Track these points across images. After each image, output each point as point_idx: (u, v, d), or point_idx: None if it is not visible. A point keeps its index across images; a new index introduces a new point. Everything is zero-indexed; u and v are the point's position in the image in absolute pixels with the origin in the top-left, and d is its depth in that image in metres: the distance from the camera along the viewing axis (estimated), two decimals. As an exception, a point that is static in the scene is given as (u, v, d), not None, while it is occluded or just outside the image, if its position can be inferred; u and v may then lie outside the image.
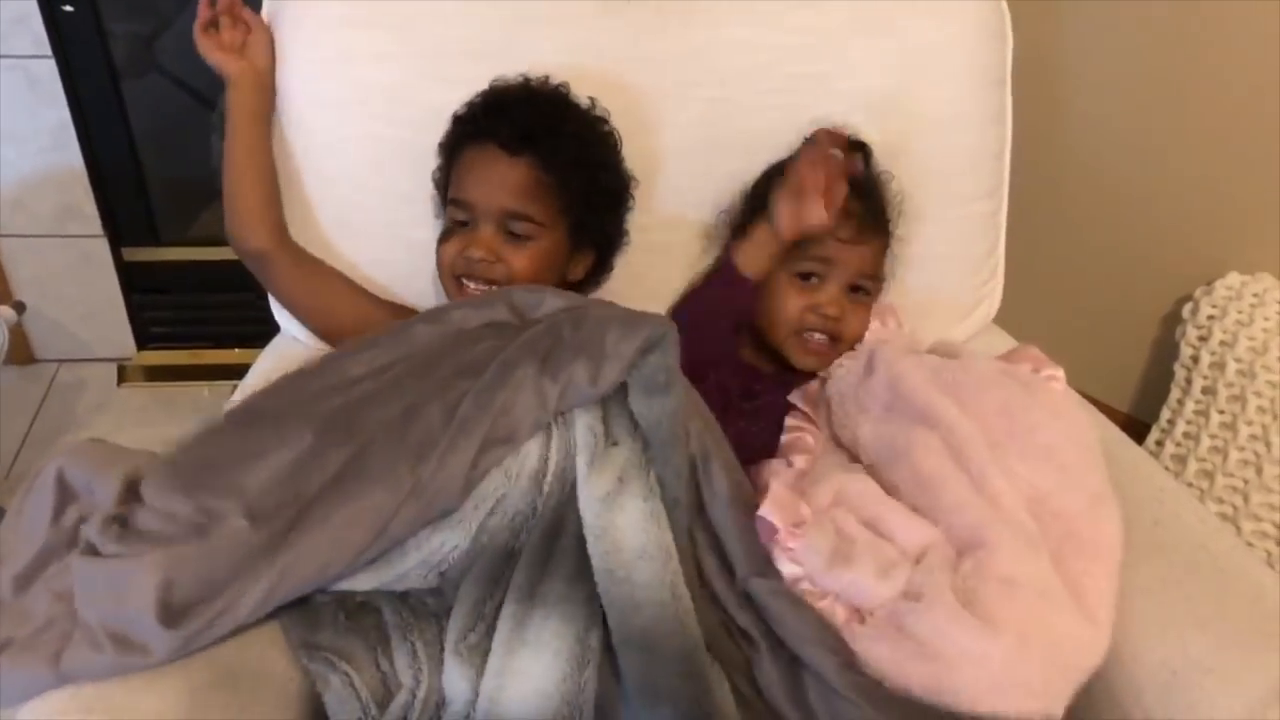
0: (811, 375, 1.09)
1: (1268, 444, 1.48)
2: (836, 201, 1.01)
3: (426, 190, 1.12)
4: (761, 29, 1.14)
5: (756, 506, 0.87)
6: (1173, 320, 1.64)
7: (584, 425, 0.86)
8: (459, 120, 1.08)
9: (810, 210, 1.01)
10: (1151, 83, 1.59)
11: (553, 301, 0.93)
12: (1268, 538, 1.48)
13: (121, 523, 0.80)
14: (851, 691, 0.80)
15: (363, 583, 0.83)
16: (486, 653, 0.81)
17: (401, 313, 1.13)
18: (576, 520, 0.85)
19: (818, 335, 1.08)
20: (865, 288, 1.09)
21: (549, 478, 0.85)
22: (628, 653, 0.80)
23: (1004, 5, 1.18)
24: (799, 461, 0.99)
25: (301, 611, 0.83)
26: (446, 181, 1.09)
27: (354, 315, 1.12)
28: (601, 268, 1.14)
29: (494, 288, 1.03)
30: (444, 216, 1.10)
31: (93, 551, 0.79)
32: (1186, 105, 1.56)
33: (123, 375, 2.05)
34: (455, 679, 0.81)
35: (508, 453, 0.83)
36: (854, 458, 0.99)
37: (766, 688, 0.83)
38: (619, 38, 1.13)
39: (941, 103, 1.16)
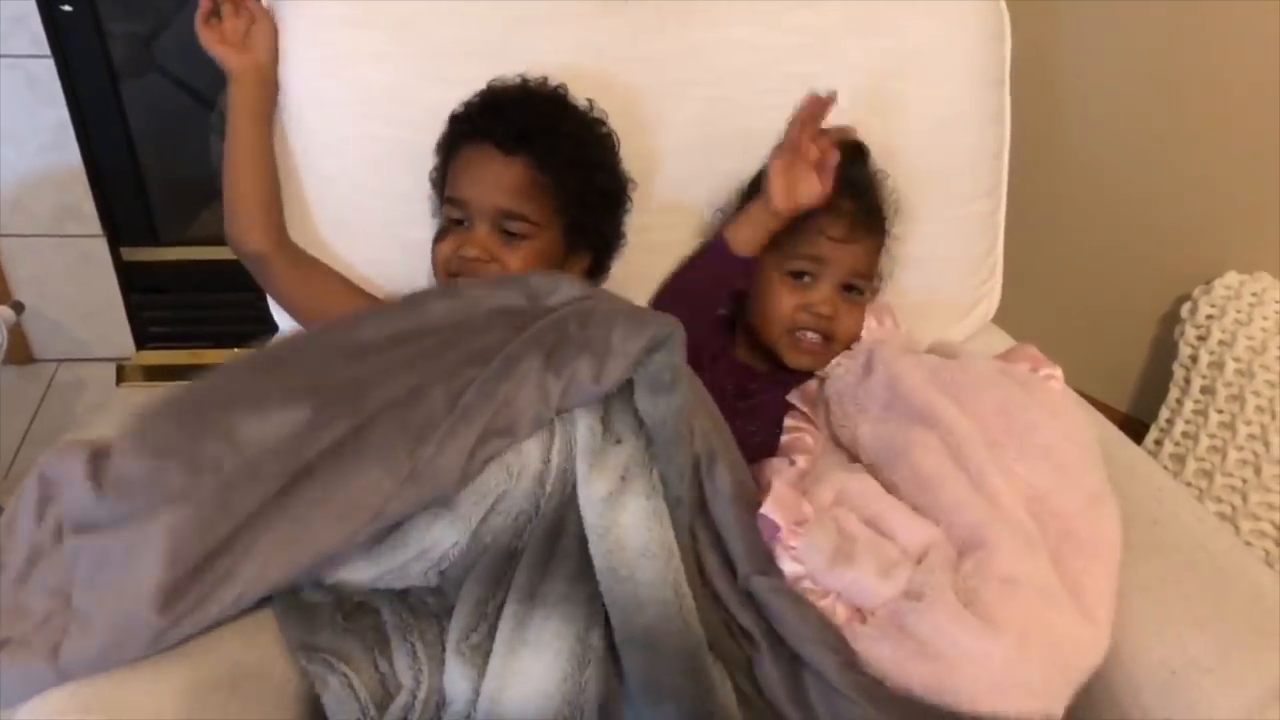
0: (807, 375, 1.09)
1: (1266, 443, 1.49)
2: (831, 172, 1.02)
3: (425, 190, 1.12)
4: (760, 28, 1.14)
5: (758, 505, 0.87)
6: (1171, 320, 1.64)
7: (585, 425, 0.86)
8: (456, 119, 1.08)
9: (805, 183, 1.01)
10: (1150, 82, 1.59)
11: (568, 289, 0.92)
12: (1266, 537, 1.48)
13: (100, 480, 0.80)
14: (852, 690, 0.80)
15: (362, 571, 0.83)
16: (488, 653, 0.82)
17: None
18: (578, 520, 0.85)
19: (810, 334, 1.08)
20: (858, 287, 1.08)
21: (551, 478, 0.85)
22: (630, 651, 0.81)
23: (1003, 5, 1.18)
24: (799, 461, 0.99)
25: (299, 612, 0.83)
26: (443, 181, 1.09)
27: None
28: (598, 269, 1.14)
29: None
30: (440, 215, 1.10)
31: (91, 527, 0.79)
32: (1185, 105, 1.56)
33: (122, 375, 2.04)
34: (456, 679, 0.81)
35: (506, 445, 0.83)
36: (853, 458, 0.99)
37: (768, 687, 0.83)
38: (618, 37, 1.13)
39: (940, 103, 1.16)
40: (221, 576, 0.77)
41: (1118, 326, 1.75)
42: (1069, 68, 1.65)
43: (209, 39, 1.08)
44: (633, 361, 0.84)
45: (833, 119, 1.11)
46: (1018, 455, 0.91)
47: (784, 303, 1.07)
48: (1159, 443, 1.62)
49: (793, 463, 0.98)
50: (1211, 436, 1.54)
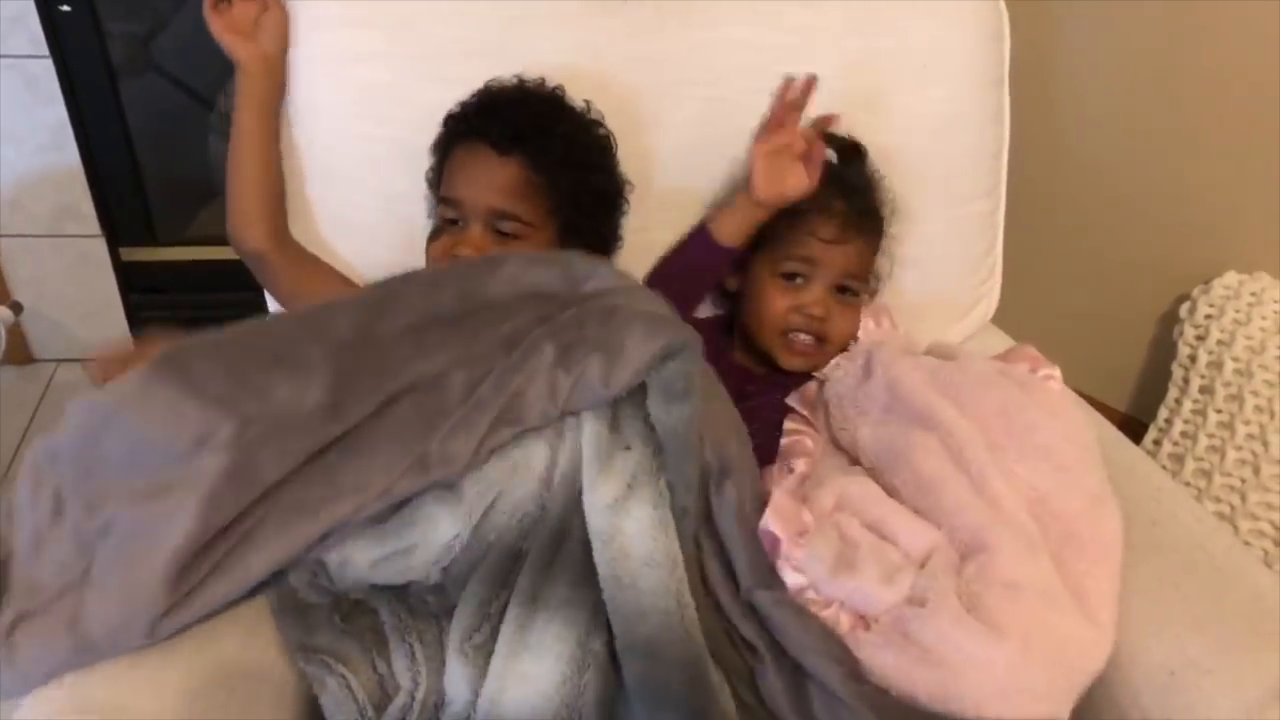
0: (805, 377, 1.09)
1: (1265, 443, 1.49)
2: (818, 165, 1.01)
3: (422, 190, 1.12)
4: (759, 28, 1.14)
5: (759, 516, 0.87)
6: (1170, 319, 1.64)
7: (592, 430, 0.85)
8: (451, 119, 1.08)
9: (791, 175, 1.01)
10: (1149, 82, 1.59)
11: (605, 276, 0.92)
12: (1265, 537, 1.48)
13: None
14: (856, 701, 0.80)
15: (366, 552, 0.83)
16: (491, 654, 0.81)
17: None
18: (583, 524, 0.84)
19: (803, 336, 1.08)
20: (852, 288, 1.08)
21: (556, 480, 0.85)
22: (632, 660, 0.80)
23: (1002, 5, 1.18)
24: (799, 465, 0.99)
25: (297, 613, 0.83)
26: (439, 181, 1.09)
27: None
28: None
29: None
30: (434, 215, 1.10)
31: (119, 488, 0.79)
32: (1184, 105, 1.56)
33: (120, 375, 2.04)
34: (457, 679, 0.81)
35: (510, 437, 0.83)
36: (854, 460, 0.99)
37: (771, 698, 0.83)
38: (617, 37, 1.13)
39: (939, 103, 1.16)
40: (236, 546, 0.78)
41: (1117, 326, 1.75)
42: (1068, 68, 1.65)
43: (217, 25, 1.06)
44: (643, 368, 0.84)
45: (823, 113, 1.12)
46: (1018, 456, 0.91)
47: (776, 304, 1.07)
48: (1158, 443, 1.62)
49: (790, 469, 0.98)
50: (1210, 436, 1.54)
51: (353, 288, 1.14)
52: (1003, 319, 1.28)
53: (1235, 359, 1.51)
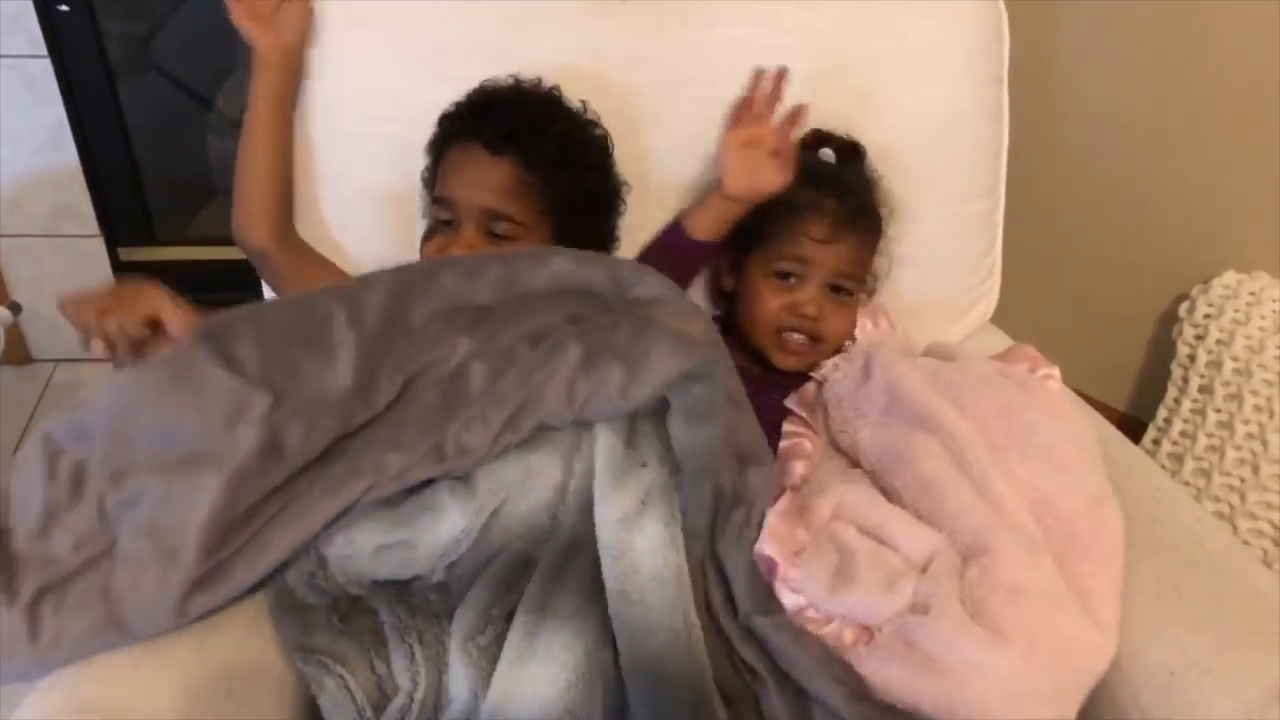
0: (803, 378, 1.08)
1: (1264, 443, 1.49)
2: (790, 160, 1.01)
3: (420, 190, 1.12)
4: (758, 28, 1.14)
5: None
6: (1169, 319, 1.64)
7: (606, 442, 0.85)
8: (445, 119, 1.08)
9: (765, 170, 1.01)
10: (1149, 82, 1.59)
11: (651, 285, 0.92)
12: (1264, 536, 1.48)
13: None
14: None
15: (372, 535, 0.83)
16: (495, 657, 0.81)
17: None
18: (596, 538, 0.84)
19: (797, 335, 1.07)
20: (845, 288, 1.08)
21: (570, 493, 0.85)
22: (637, 677, 0.80)
23: (1001, 5, 1.18)
24: (798, 467, 0.98)
25: (296, 614, 0.83)
26: (434, 181, 1.08)
27: None
28: None
29: None
30: (428, 215, 1.09)
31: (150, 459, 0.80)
32: (1183, 104, 1.56)
33: (119, 375, 2.04)
34: (460, 679, 0.81)
35: (527, 432, 0.83)
36: (854, 462, 0.99)
37: None
38: (616, 37, 1.13)
39: (938, 102, 1.16)
40: (261, 528, 0.79)
41: (1116, 326, 1.75)
42: (1067, 67, 1.65)
43: (237, 11, 1.06)
44: (662, 385, 0.83)
45: (831, 120, 1.12)
46: (1019, 458, 0.91)
47: (769, 303, 1.07)
48: (1157, 442, 1.62)
49: (783, 491, 0.95)
50: (1209, 436, 1.54)
51: None
52: (1002, 318, 1.28)
53: (1234, 358, 1.51)
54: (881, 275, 1.15)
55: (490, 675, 0.81)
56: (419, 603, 0.86)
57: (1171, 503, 0.96)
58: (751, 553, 0.86)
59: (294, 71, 1.10)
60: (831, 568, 0.86)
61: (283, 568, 0.82)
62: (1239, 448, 1.51)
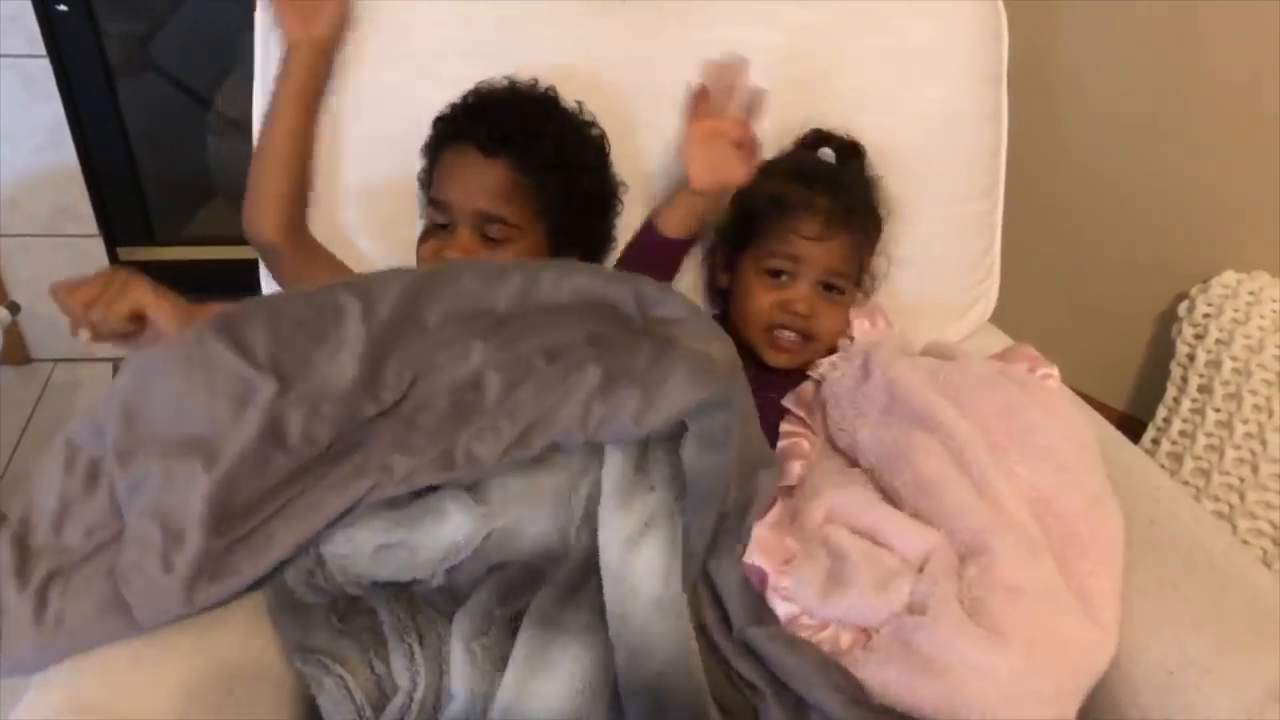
0: (800, 376, 1.08)
1: (1263, 442, 1.49)
2: (754, 150, 1.02)
3: (418, 191, 1.12)
4: (758, 28, 1.14)
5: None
6: (1169, 318, 1.64)
7: (615, 464, 0.85)
8: (440, 121, 1.08)
9: (728, 163, 1.01)
10: (1148, 81, 1.59)
11: (675, 306, 0.92)
12: (1263, 536, 1.48)
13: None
14: None
15: (375, 535, 0.83)
16: (500, 658, 0.82)
17: None
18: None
19: (788, 333, 1.07)
20: (837, 286, 1.08)
21: (580, 515, 0.85)
22: (635, 698, 0.80)
23: (1000, 5, 1.18)
24: (796, 467, 0.98)
25: (295, 614, 0.83)
26: (429, 183, 1.08)
27: None
28: None
29: None
30: (425, 217, 1.09)
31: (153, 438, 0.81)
32: (1183, 103, 1.56)
33: (118, 375, 2.04)
34: (462, 678, 0.82)
35: (538, 449, 0.83)
36: (852, 462, 0.99)
37: None
38: (616, 37, 1.13)
39: (938, 102, 1.16)
40: (268, 519, 0.79)
41: (1115, 325, 1.75)
42: (1066, 67, 1.65)
43: (278, 2, 1.05)
44: (676, 414, 0.83)
45: (830, 120, 1.12)
46: (1019, 457, 0.91)
47: (761, 301, 1.07)
48: (1156, 442, 1.62)
49: (774, 501, 0.95)
50: (1209, 435, 1.54)
51: None
52: (1001, 318, 1.28)
53: (1234, 358, 1.51)
54: (880, 275, 1.15)
55: (492, 676, 0.81)
56: (419, 603, 0.86)
57: (1171, 502, 0.96)
58: (741, 566, 0.86)
59: (322, 69, 1.09)
60: (823, 572, 0.86)
61: (283, 566, 0.82)
62: (1238, 447, 1.51)
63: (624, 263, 1.11)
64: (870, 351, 1.03)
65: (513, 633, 0.84)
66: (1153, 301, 1.69)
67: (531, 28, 1.12)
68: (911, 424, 0.95)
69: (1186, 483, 1.56)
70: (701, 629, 0.84)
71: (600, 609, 0.82)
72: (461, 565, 0.84)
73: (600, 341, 0.88)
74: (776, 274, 1.07)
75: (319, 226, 1.15)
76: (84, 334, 0.88)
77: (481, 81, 1.07)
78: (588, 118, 1.09)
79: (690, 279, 1.18)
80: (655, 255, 1.09)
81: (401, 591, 0.86)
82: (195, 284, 1.95)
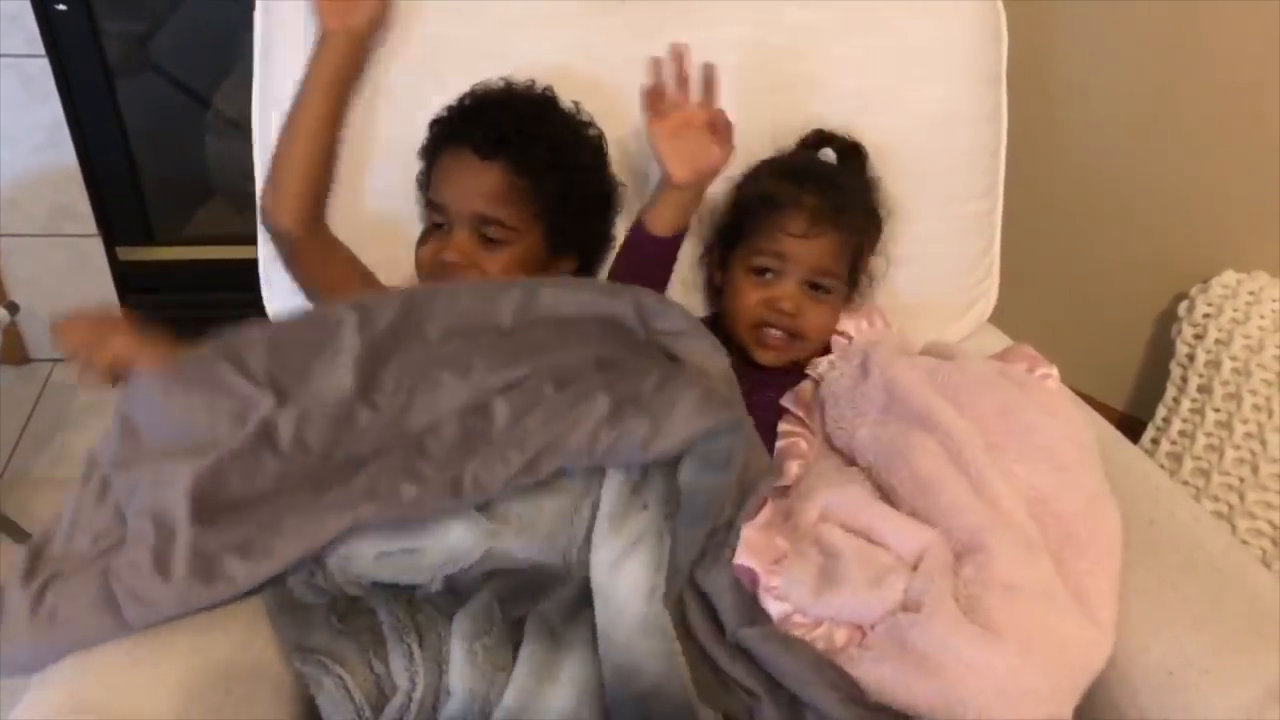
0: (798, 375, 1.08)
1: (1263, 442, 1.49)
2: (727, 132, 1.01)
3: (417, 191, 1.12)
4: (758, 28, 1.14)
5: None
6: (1168, 318, 1.64)
7: (613, 487, 0.85)
8: (437, 124, 1.07)
9: (704, 151, 1.01)
10: (1147, 81, 1.59)
11: (675, 319, 0.92)
12: (1263, 536, 1.48)
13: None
14: None
15: (373, 544, 0.83)
16: (499, 660, 0.82)
17: None
18: None
19: (774, 331, 1.07)
20: (823, 285, 1.07)
21: (581, 535, 0.85)
22: (623, 716, 0.81)
23: (999, 5, 1.18)
24: (793, 467, 0.98)
25: (294, 614, 0.83)
26: (428, 185, 1.08)
27: None
28: (586, 272, 1.13)
29: None
30: (424, 218, 1.09)
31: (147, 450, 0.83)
32: (1182, 103, 1.56)
33: (117, 375, 2.04)
34: (460, 678, 0.82)
35: (544, 474, 0.83)
36: (850, 461, 0.98)
37: None
38: (616, 37, 1.13)
39: (937, 102, 1.16)
40: (264, 530, 0.79)
41: (1115, 325, 1.75)
42: (1066, 67, 1.65)
43: None
44: (684, 443, 0.83)
45: (829, 119, 1.11)
46: (1017, 456, 0.91)
47: (748, 298, 1.07)
48: (1156, 441, 1.62)
49: (764, 503, 0.94)
50: (1208, 435, 1.54)
51: (375, 287, 1.13)
52: (1000, 318, 1.28)
53: (1233, 358, 1.52)
54: (878, 275, 1.15)
55: (492, 676, 0.81)
56: (418, 603, 0.86)
57: (1170, 502, 0.96)
58: (731, 570, 0.85)
59: (355, 60, 1.08)
60: (815, 570, 0.85)
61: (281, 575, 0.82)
62: (1238, 447, 1.51)
63: (617, 265, 1.11)
64: (869, 351, 1.03)
65: (513, 636, 0.84)
66: (1152, 301, 1.69)
67: (531, 27, 1.12)
68: (910, 423, 0.95)
69: (1186, 483, 1.56)
70: (691, 638, 0.84)
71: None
72: (461, 573, 0.84)
73: (608, 366, 0.88)
74: (764, 271, 1.07)
75: (337, 221, 1.14)
76: (76, 371, 0.90)
77: (478, 83, 1.07)
78: (585, 118, 1.09)
79: (678, 275, 1.18)
80: (648, 255, 1.08)
81: (401, 592, 0.86)
82: (194, 284, 1.97)
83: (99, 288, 1.98)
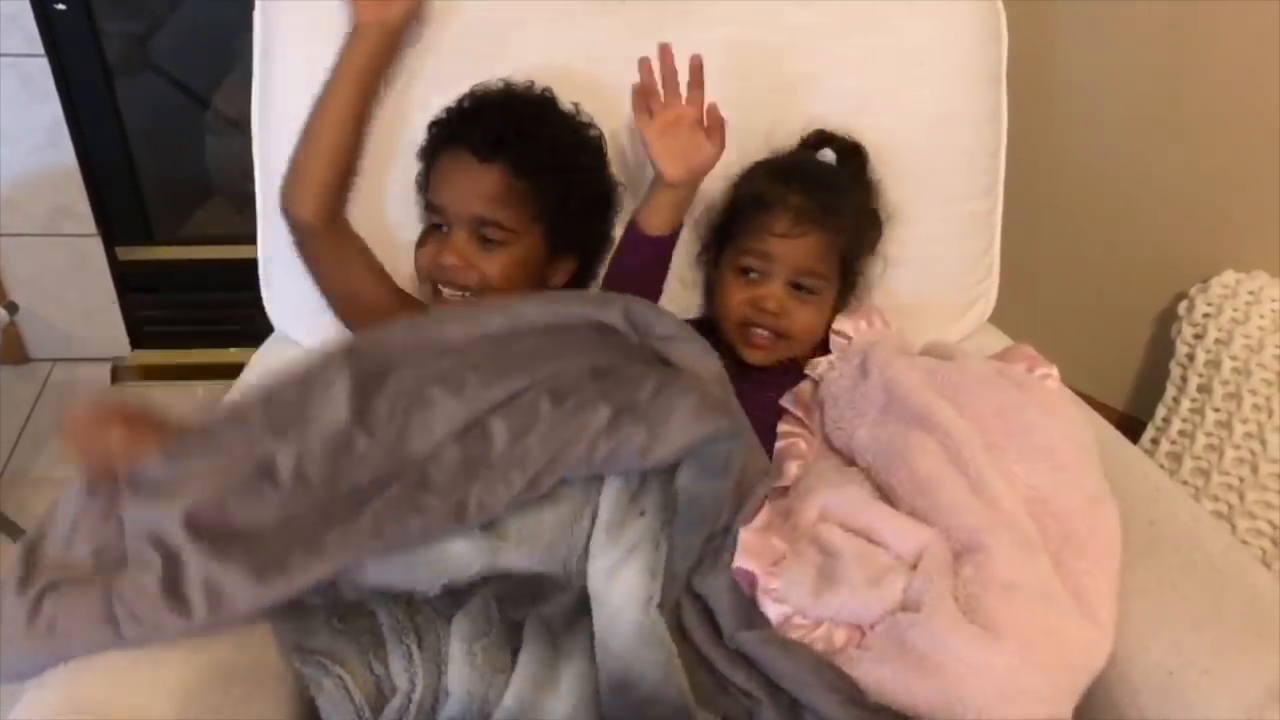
0: (796, 375, 1.08)
1: (1263, 442, 1.49)
2: (720, 127, 1.01)
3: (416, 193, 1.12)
4: (757, 28, 1.14)
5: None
6: (1168, 318, 1.64)
7: (610, 496, 0.85)
8: (435, 125, 1.07)
9: (696, 147, 1.01)
10: (1147, 81, 1.59)
11: (665, 324, 0.92)
12: (1263, 535, 1.49)
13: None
14: None
15: (371, 573, 0.83)
16: (498, 661, 0.82)
17: (422, 311, 1.11)
18: None
19: (760, 330, 1.07)
20: (807, 286, 1.06)
21: (581, 544, 0.84)
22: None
23: (999, 5, 1.18)
24: (793, 468, 0.98)
25: (294, 615, 0.83)
26: (427, 186, 1.08)
27: (374, 310, 1.11)
28: (585, 272, 1.13)
29: (468, 294, 1.03)
30: (423, 219, 1.09)
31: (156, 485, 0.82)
32: (1182, 103, 1.56)
33: (116, 375, 2.04)
34: (459, 679, 0.82)
35: (546, 489, 0.83)
36: (849, 461, 0.98)
37: None
38: (615, 37, 1.13)
39: (937, 102, 1.16)
40: (272, 563, 0.78)
41: (1114, 325, 1.75)
42: (1066, 67, 1.65)
43: None
44: (682, 450, 0.83)
45: (829, 119, 1.11)
46: (1016, 456, 0.91)
47: (734, 298, 1.07)
48: (1155, 441, 1.62)
49: (761, 505, 0.94)
50: (1208, 435, 1.55)
51: (390, 290, 1.12)
52: (1000, 318, 1.28)
53: (1233, 358, 1.52)
54: (875, 276, 1.14)
55: (490, 678, 0.81)
56: (418, 604, 0.86)
57: (1170, 502, 0.96)
58: (729, 574, 0.85)
59: (386, 53, 1.07)
60: (814, 571, 0.85)
61: None
62: (1238, 447, 1.51)
63: (613, 265, 1.11)
64: (868, 351, 1.03)
65: (512, 637, 0.84)
66: (1152, 301, 1.69)
67: (530, 28, 1.12)
68: (909, 423, 0.94)
69: (1186, 482, 1.56)
70: (688, 641, 0.84)
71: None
72: (461, 582, 0.84)
73: (603, 373, 0.88)
74: (750, 271, 1.07)
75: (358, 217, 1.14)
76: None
77: (477, 84, 1.07)
78: (585, 119, 1.09)
79: (675, 273, 1.18)
80: (644, 255, 1.08)
81: (400, 594, 0.86)
82: (194, 283, 1.97)
83: (98, 287, 1.98)
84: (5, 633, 0.75)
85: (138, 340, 2.05)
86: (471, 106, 1.06)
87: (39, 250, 1.95)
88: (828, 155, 1.12)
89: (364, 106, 1.07)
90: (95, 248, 1.94)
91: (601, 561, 0.83)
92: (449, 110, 1.07)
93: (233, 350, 2.01)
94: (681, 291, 1.19)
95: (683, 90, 1.03)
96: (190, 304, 2.01)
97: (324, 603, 0.84)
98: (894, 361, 1.00)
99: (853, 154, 1.12)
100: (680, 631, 0.84)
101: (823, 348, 1.10)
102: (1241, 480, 1.51)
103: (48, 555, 0.81)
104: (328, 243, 1.09)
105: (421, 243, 1.07)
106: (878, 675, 0.81)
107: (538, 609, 0.86)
